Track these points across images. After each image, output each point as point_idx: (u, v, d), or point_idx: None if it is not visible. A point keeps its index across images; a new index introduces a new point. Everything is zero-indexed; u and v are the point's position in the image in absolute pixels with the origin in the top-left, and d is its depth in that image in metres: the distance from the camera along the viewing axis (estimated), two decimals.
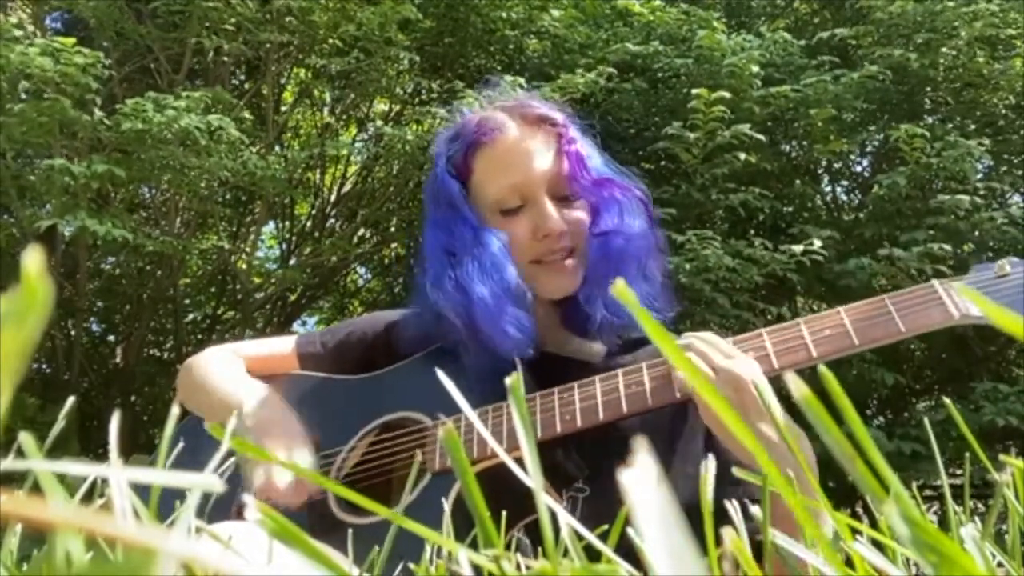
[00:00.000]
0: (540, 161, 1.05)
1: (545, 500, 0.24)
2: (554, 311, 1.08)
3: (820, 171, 6.28)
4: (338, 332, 1.21)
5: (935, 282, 0.88)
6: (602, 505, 0.96)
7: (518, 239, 1.04)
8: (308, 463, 0.99)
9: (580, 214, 1.05)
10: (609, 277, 1.00)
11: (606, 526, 0.37)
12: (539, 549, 0.95)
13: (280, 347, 1.21)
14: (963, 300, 0.85)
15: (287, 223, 6.95)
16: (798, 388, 0.20)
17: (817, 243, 4.30)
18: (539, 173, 1.05)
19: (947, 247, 4.20)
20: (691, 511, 0.32)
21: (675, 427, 1.01)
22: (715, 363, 0.87)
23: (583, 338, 1.08)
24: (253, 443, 1.00)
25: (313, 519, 0.98)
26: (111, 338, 7.15)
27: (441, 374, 0.35)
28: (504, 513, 0.50)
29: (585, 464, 0.98)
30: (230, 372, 1.14)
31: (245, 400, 1.06)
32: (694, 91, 4.52)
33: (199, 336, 7.09)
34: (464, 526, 0.69)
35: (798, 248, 4.30)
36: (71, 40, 4.29)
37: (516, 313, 1.00)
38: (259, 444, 1.00)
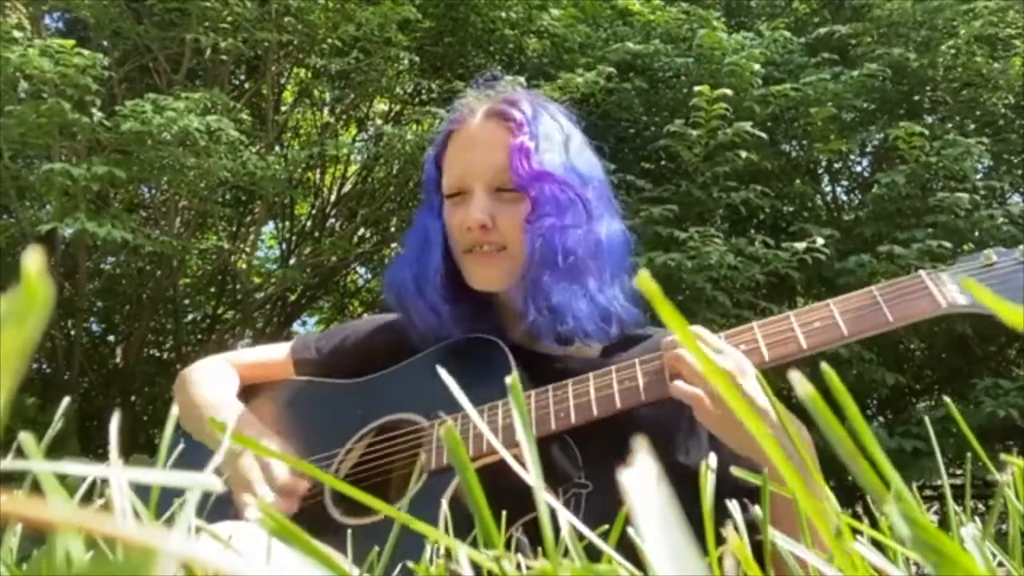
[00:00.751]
0: (484, 153, 1.06)
1: (542, 499, 0.24)
2: (513, 311, 1.07)
3: (820, 171, 6.28)
4: (333, 337, 1.21)
5: (922, 272, 0.89)
6: (606, 501, 0.96)
7: (451, 228, 1.07)
8: (287, 479, 0.99)
9: (519, 210, 1.04)
10: (541, 273, 1.01)
11: (606, 526, 0.37)
12: (538, 548, 0.95)
13: (275, 354, 1.21)
14: (950, 290, 0.86)
15: (287, 223, 6.95)
16: (802, 386, 0.20)
17: (820, 240, 4.30)
18: (478, 164, 1.06)
19: (947, 244, 4.20)
20: (692, 507, 0.32)
21: (677, 417, 1.01)
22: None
23: (537, 339, 1.05)
24: (229, 464, 1.01)
25: (310, 521, 0.98)
26: (111, 338, 7.15)
27: (443, 372, 0.35)
28: (502, 512, 0.50)
29: (588, 459, 0.98)
30: (215, 393, 1.13)
31: (214, 414, 1.07)
32: (696, 88, 4.52)
33: (199, 336, 7.09)
34: (461, 525, 0.69)
35: (801, 245, 4.31)
36: (70, 42, 4.29)
37: (433, 296, 1.05)
38: (235, 464, 1.00)
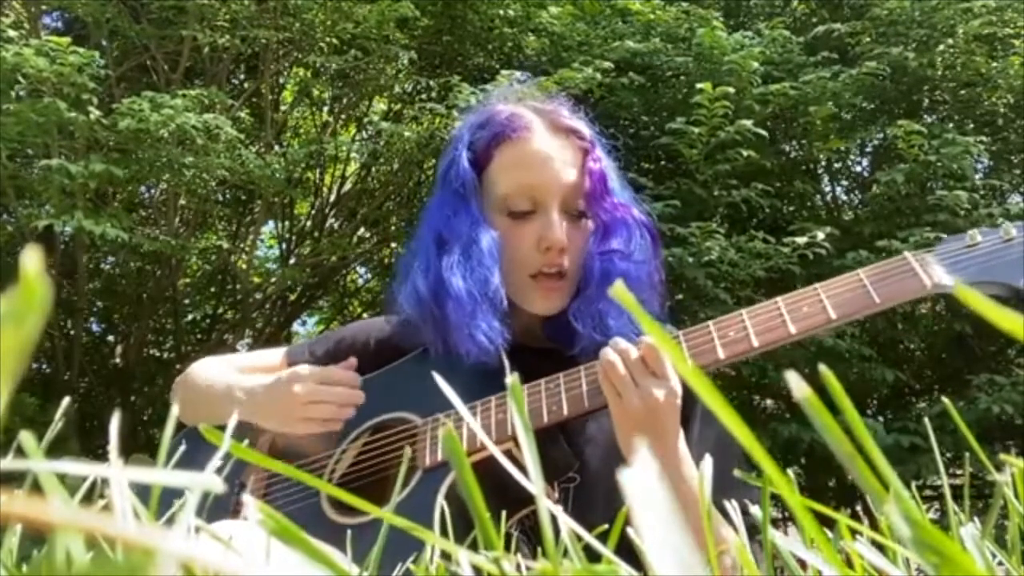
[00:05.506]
0: (560, 170, 1.04)
1: (542, 499, 0.24)
2: (537, 321, 1.08)
3: (820, 170, 6.29)
4: (327, 341, 1.21)
5: (907, 254, 0.90)
6: (593, 491, 0.97)
7: (520, 248, 1.02)
8: (335, 370, 1.03)
9: (584, 234, 1.04)
10: (604, 298, 1.00)
11: (606, 525, 0.37)
12: (536, 545, 0.95)
13: (270, 359, 1.21)
14: (936, 270, 0.87)
15: (286, 222, 6.94)
16: (799, 387, 0.20)
17: (820, 235, 4.30)
18: (556, 182, 1.03)
19: (945, 236, 4.19)
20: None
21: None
22: (638, 380, 0.87)
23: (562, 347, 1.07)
24: (251, 411, 1.03)
25: (306, 520, 0.98)
26: (111, 338, 7.14)
27: (436, 375, 0.35)
28: (496, 507, 0.50)
29: (576, 453, 0.99)
30: (221, 374, 1.14)
31: (238, 389, 1.07)
32: (698, 85, 4.52)
33: (199, 336, 7.08)
34: (457, 519, 0.70)
35: (801, 240, 4.31)
36: (65, 40, 4.29)
37: (489, 319, 0.98)
38: (259, 408, 1.02)
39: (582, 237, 1.04)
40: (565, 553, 0.28)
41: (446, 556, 0.46)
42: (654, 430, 0.86)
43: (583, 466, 0.99)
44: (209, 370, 1.16)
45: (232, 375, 1.12)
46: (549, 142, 1.05)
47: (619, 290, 0.21)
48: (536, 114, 1.08)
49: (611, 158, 1.11)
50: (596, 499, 0.98)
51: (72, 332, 5.98)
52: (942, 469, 0.55)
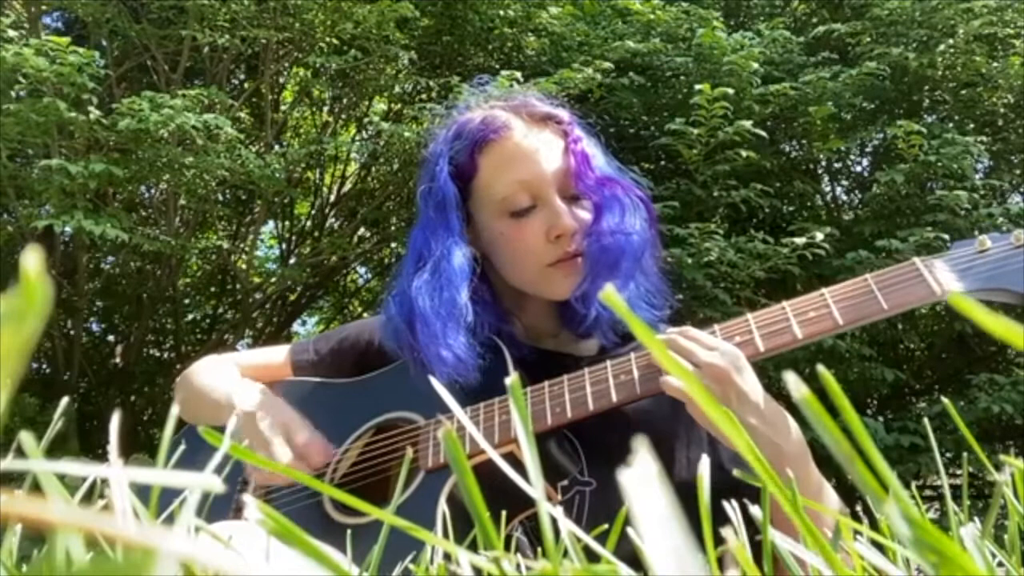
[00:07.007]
0: (549, 159, 1.03)
1: (542, 500, 0.24)
2: (552, 310, 1.08)
3: (820, 171, 6.29)
4: (331, 339, 1.21)
5: (916, 260, 0.88)
6: (610, 499, 0.96)
7: (530, 243, 1.02)
8: (307, 438, 0.99)
9: (586, 214, 1.04)
10: (606, 275, 1.00)
11: (606, 525, 0.37)
12: (537, 546, 0.95)
13: (273, 356, 1.21)
14: (945, 276, 0.85)
15: (286, 222, 6.95)
16: (797, 388, 0.20)
17: (819, 236, 4.30)
18: (549, 171, 1.03)
19: (945, 236, 4.21)
20: (692, 495, 0.32)
21: (678, 411, 1.02)
22: (697, 358, 0.87)
23: (580, 335, 1.08)
24: (247, 434, 1.00)
25: (308, 521, 0.98)
26: (111, 338, 7.15)
27: (432, 379, 0.35)
28: (499, 509, 0.50)
29: (591, 457, 0.98)
30: (223, 377, 1.13)
31: (237, 397, 1.05)
32: (697, 86, 4.52)
33: (199, 336, 7.09)
34: (459, 520, 0.70)
35: (800, 240, 4.31)
36: (65, 40, 4.29)
37: (456, 338, 0.97)
38: (253, 433, 1.00)
39: (585, 215, 1.04)
40: (566, 554, 0.28)
41: (448, 557, 0.46)
42: (733, 394, 0.86)
43: (597, 471, 0.99)
44: (210, 373, 1.15)
45: (230, 382, 1.11)
46: (531, 134, 1.05)
47: (609, 295, 0.21)
48: (510, 111, 1.07)
49: (595, 140, 1.10)
50: (615, 503, 0.97)
51: (72, 332, 5.98)
52: (942, 469, 0.55)
